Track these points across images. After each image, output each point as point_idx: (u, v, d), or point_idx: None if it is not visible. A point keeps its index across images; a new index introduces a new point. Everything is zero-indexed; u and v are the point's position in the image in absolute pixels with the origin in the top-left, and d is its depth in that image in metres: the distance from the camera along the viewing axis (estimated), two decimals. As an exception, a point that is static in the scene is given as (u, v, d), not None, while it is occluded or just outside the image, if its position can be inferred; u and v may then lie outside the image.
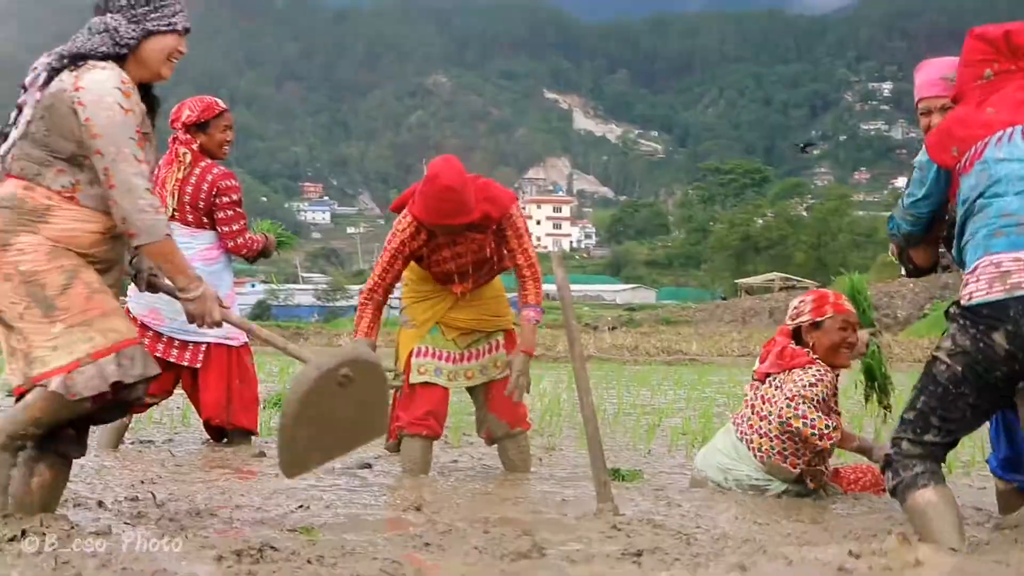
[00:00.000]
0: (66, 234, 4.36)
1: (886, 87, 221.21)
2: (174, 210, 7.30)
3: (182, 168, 7.36)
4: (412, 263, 6.68)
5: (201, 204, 7.33)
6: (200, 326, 4.63)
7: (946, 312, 4.59)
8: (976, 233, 4.46)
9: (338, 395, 4.58)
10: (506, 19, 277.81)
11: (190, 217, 7.36)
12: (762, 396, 6.11)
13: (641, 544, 4.48)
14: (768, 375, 6.15)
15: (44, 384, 4.29)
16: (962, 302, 4.43)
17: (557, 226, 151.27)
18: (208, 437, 7.83)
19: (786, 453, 5.99)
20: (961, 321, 4.43)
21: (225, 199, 7.32)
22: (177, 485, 5.91)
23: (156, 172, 7.02)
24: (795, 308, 6.24)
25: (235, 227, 7.36)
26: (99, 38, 4.41)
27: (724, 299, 68.95)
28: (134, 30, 4.42)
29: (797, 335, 6.16)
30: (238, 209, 7.39)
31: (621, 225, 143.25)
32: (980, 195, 4.48)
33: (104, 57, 4.40)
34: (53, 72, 4.42)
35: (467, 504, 5.73)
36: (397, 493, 6.02)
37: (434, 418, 6.60)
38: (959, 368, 4.42)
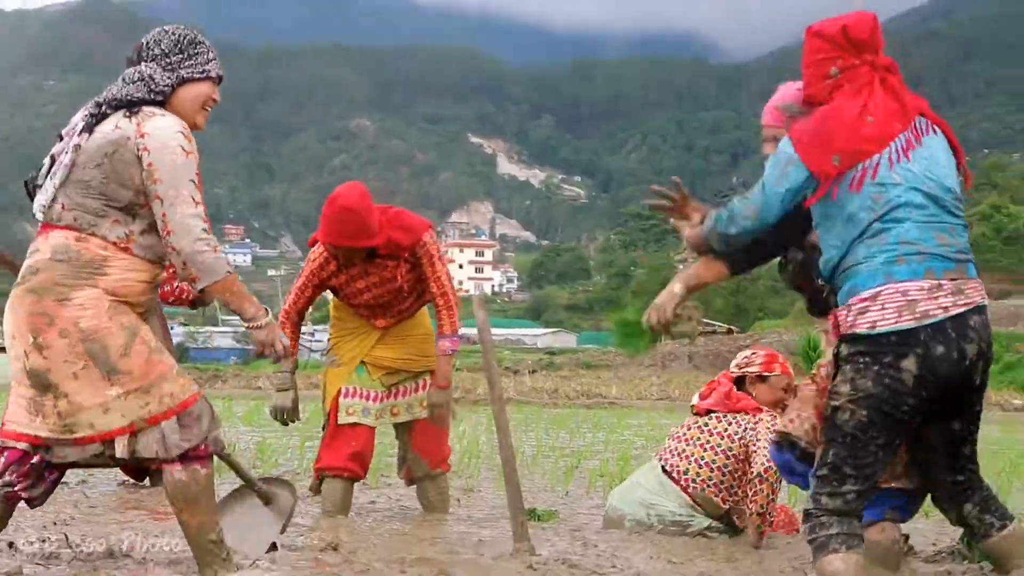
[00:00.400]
0: (122, 285, 4.28)
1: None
2: None
3: None
4: (334, 298, 6.73)
5: None
6: (266, 355, 4.58)
7: (835, 355, 4.36)
8: (872, 258, 4.30)
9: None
10: (431, 63, 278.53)
11: None
12: (709, 430, 6.27)
13: (556, 583, 4.52)
14: (710, 411, 6.32)
15: (96, 448, 4.25)
16: (859, 331, 4.24)
17: (479, 270, 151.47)
18: (125, 478, 7.74)
19: (721, 487, 6.09)
20: (860, 360, 4.24)
21: None
22: (91, 526, 5.86)
23: None
24: (745, 358, 6.45)
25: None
26: (134, 87, 4.36)
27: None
28: (169, 77, 4.39)
29: (739, 382, 6.35)
30: None
31: (543, 269, 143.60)
32: (877, 218, 4.32)
33: (138, 102, 4.35)
34: (91, 119, 4.35)
35: (384, 544, 5.74)
36: (315, 533, 6.00)
37: (358, 460, 6.61)
38: (864, 412, 4.23)
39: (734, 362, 6.55)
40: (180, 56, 4.43)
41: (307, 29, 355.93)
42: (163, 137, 4.25)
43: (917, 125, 4.45)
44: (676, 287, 4.86)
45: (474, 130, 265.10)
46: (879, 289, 4.24)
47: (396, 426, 6.82)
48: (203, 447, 4.30)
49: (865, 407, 4.23)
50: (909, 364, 4.19)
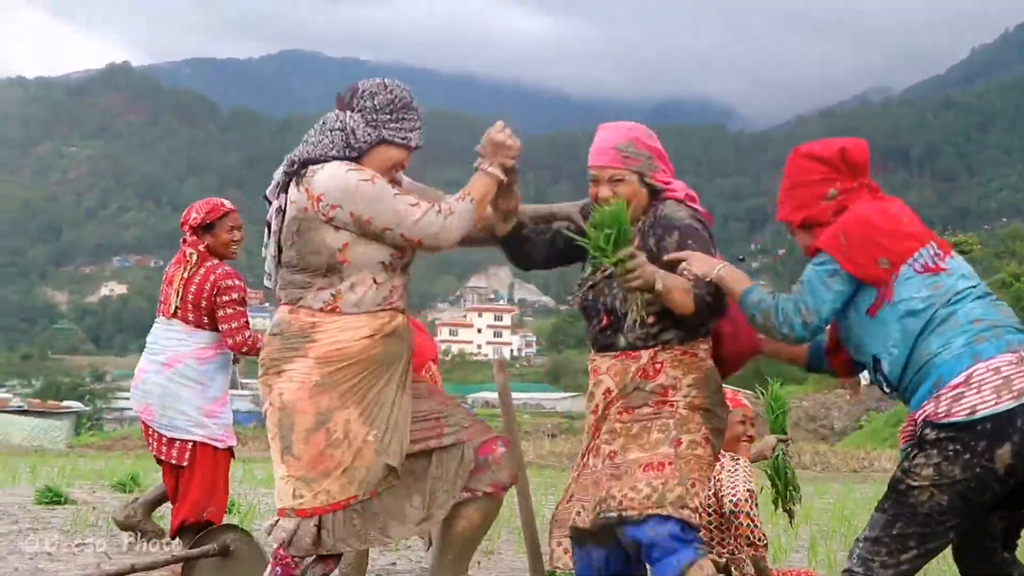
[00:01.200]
0: (335, 349, 4.26)
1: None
2: (176, 307, 7.26)
3: (188, 268, 7.30)
4: None
5: (203, 303, 7.27)
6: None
7: (920, 437, 4.14)
8: (950, 343, 4.13)
9: None
10: (449, 129, 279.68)
11: (191, 316, 7.27)
12: None
13: (577, 645, 4.51)
14: None
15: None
16: (954, 418, 4.02)
17: (498, 334, 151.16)
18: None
19: (712, 543, 6.08)
20: (950, 447, 4.03)
21: (226, 297, 7.25)
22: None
23: (166, 271, 7.27)
24: None
25: (234, 324, 7.25)
26: (332, 137, 4.34)
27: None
28: (370, 134, 4.35)
29: None
30: (238, 308, 7.28)
31: (561, 334, 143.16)
32: (942, 305, 4.20)
33: (326, 160, 4.32)
34: (286, 178, 4.35)
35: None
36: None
37: None
38: (945, 498, 4.03)
39: None
40: (388, 116, 4.39)
41: (326, 98, 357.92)
42: (337, 185, 4.22)
43: (942, 244, 4.41)
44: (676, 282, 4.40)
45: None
46: (970, 371, 4.07)
47: None
48: (294, 563, 4.29)
49: (948, 493, 4.04)
50: (1004, 453, 3.99)
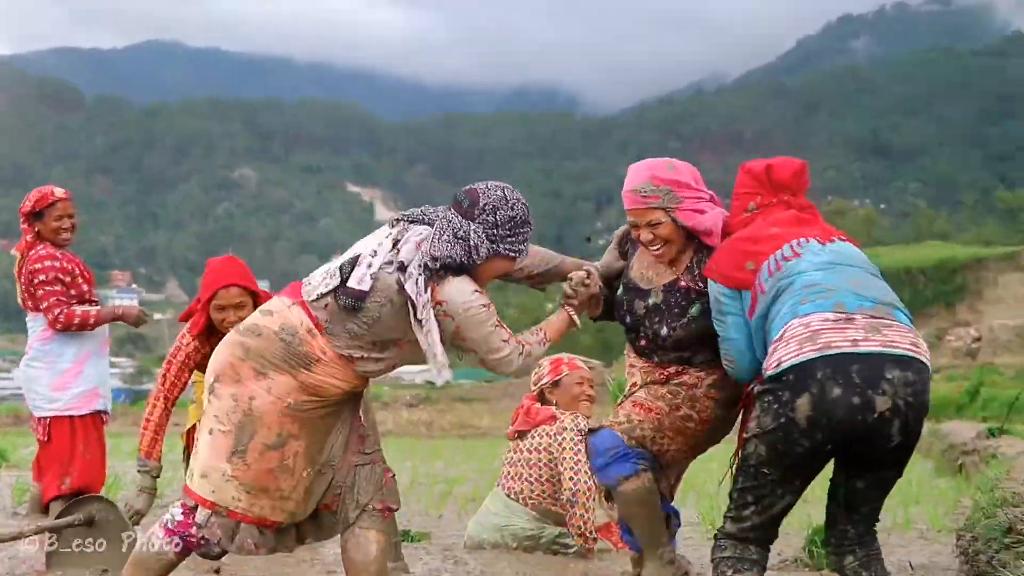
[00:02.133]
0: (320, 385, 4.18)
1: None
2: (22, 296, 7.31)
3: (22, 256, 7.31)
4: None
5: (33, 288, 7.25)
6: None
7: (749, 393, 4.40)
8: (781, 310, 4.23)
9: None
10: (309, 117, 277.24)
11: (29, 302, 7.30)
12: (525, 449, 6.35)
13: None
14: (520, 432, 6.41)
15: (188, 501, 4.27)
16: (767, 372, 4.14)
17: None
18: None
19: (557, 497, 6.16)
20: (765, 399, 4.12)
21: (38, 278, 7.21)
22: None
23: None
24: (536, 374, 6.53)
25: (45, 304, 7.20)
26: (459, 246, 4.19)
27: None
28: (489, 248, 4.24)
29: (542, 397, 6.44)
30: (48, 288, 7.21)
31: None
32: (784, 278, 4.28)
33: (459, 267, 4.20)
34: (426, 272, 4.15)
35: (264, 565, 5.73)
36: (196, 558, 5.96)
37: None
38: (764, 449, 4.10)
39: (531, 381, 6.65)
40: (507, 232, 4.28)
41: (188, 86, 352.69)
42: (461, 301, 4.16)
43: (827, 236, 4.43)
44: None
45: (351, 179, 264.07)
46: (785, 328, 4.15)
47: None
48: (206, 547, 4.31)
49: (764, 443, 4.11)
50: (803, 405, 3.98)
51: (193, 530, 4.24)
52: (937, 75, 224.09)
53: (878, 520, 4.39)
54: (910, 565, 5.58)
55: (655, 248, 4.73)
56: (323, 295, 4.19)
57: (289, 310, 4.22)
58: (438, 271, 4.15)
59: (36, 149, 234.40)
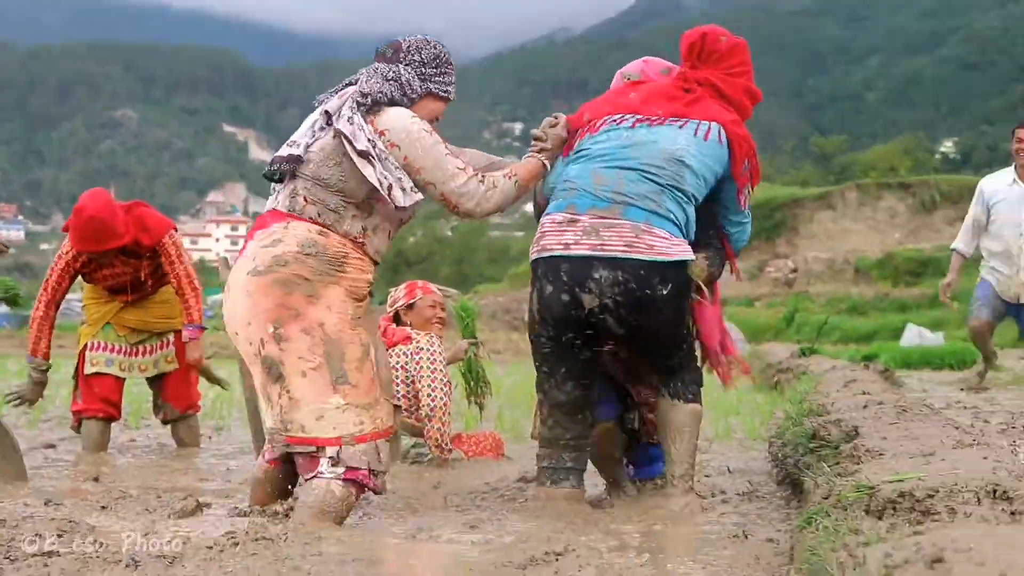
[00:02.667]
0: (355, 285, 3.95)
1: (517, 127, 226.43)
2: None
3: None
4: (86, 285, 6.63)
5: None
6: None
7: None
8: (553, 191, 4.24)
9: None
10: (188, 61, 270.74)
11: None
12: None
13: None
14: None
15: (306, 449, 3.88)
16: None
17: (234, 243, 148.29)
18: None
19: (412, 411, 6.16)
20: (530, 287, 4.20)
21: None
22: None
23: None
24: (392, 297, 6.51)
25: None
26: (389, 85, 4.02)
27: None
28: (420, 87, 4.08)
29: (397, 319, 6.42)
30: None
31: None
32: (563, 163, 4.25)
33: (392, 102, 4.04)
34: (360, 108, 3.98)
35: (142, 475, 5.66)
36: (78, 468, 5.88)
37: (109, 403, 6.52)
38: (530, 342, 4.23)
39: (387, 303, 6.61)
40: (435, 71, 4.13)
41: (72, 28, 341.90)
42: (403, 127, 3.96)
43: (666, 113, 4.20)
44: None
45: (227, 120, 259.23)
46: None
47: (148, 379, 6.76)
48: (369, 476, 3.94)
49: (530, 321, 4.20)
50: (532, 299, 4.10)
51: (362, 472, 3.91)
52: (759, 31, 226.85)
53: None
54: (728, 469, 5.71)
55: None
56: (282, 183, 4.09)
57: (288, 228, 3.97)
58: (372, 107, 4.01)
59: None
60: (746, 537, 3.73)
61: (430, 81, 4.12)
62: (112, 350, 6.59)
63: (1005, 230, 8.73)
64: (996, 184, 8.92)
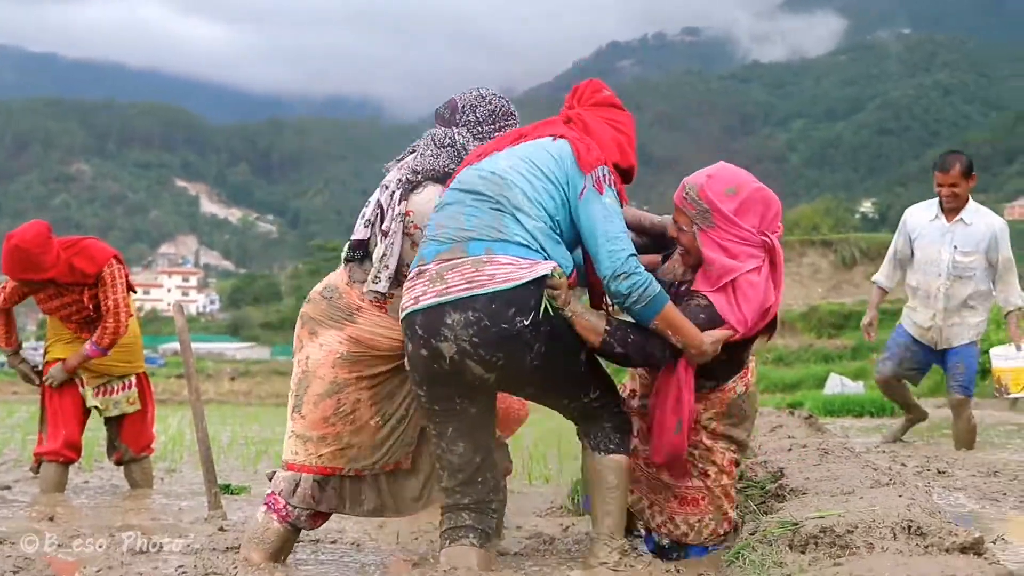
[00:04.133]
0: (368, 336, 3.88)
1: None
2: None
3: None
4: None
5: None
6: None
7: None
8: None
9: None
10: (142, 117, 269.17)
11: None
12: None
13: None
14: None
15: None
16: None
17: (185, 294, 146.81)
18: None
19: None
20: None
21: None
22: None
23: None
24: None
25: None
26: (444, 153, 3.89)
27: None
28: (476, 147, 3.89)
29: None
30: None
31: (241, 293, 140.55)
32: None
33: (446, 174, 3.86)
34: (408, 186, 3.91)
35: (96, 515, 5.61)
36: (34, 508, 5.81)
37: (71, 447, 6.46)
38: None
39: None
40: (492, 127, 3.97)
41: (28, 87, 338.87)
42: (426, 211, 3.83)
43: (512, 139, 3.79)
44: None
45: (179, 175, 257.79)
46: None
47: (106, 419, 6.70)
48: (283, 505, 4.00)
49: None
50: (405, 359, 3.72)
51: (277, 497, 4.02)
52: (690, 95, 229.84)
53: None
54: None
55: (679, 248, 3.99)
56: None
57: (336, 272, 4.07)
58: (416, 184, 3.93)
59: None
60: (678, 572, 3.76)
61: (488, 139, 3.94)
62: (83, 385, 6.54)
63: (925, 267, 7.83)
64: (919, 217, 7.97)
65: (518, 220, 3.55)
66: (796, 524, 2.93)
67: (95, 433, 7.62)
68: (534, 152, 3.68)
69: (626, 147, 3.81)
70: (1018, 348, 7.87)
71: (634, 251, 3.57)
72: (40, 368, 6.62)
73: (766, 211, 3.81)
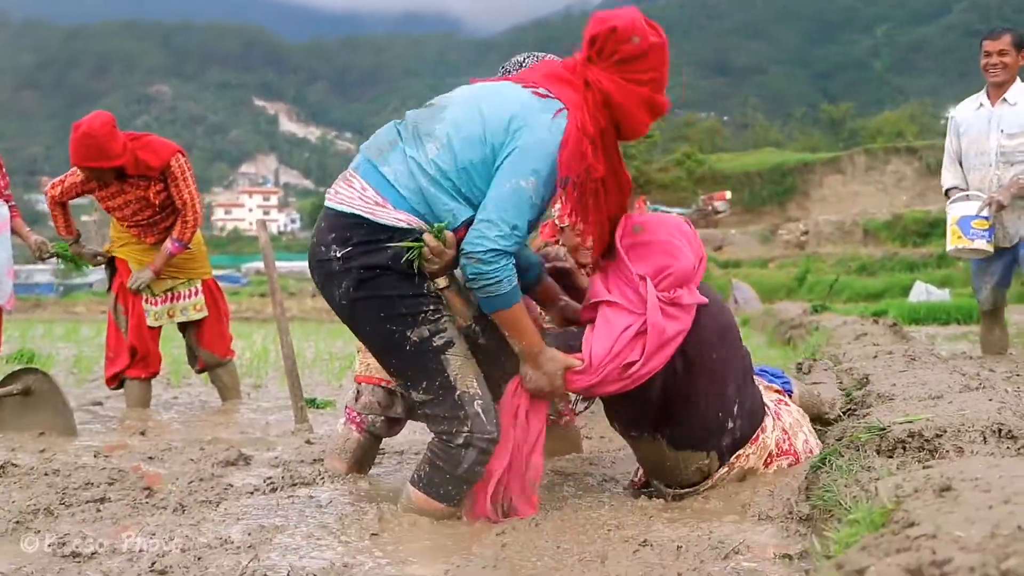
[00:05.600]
0: None
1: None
2: None
3: None
4: (113, 218, 6.56)
5: None
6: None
7: None
8: None
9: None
10: (219, 37, 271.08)
11: None
12: None
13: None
14: None
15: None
16: None
17: (266, 213, 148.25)
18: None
19: None
20: None
21: None
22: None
23: None
24: None
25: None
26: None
27: None
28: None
29: None
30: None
31: (321, 211, 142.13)
32: None
33: None
34: None
35: (185, 429, 5.71)
36: (124, 423, 5.94)
37: (148, 360, 6.52)
38: None
39: None
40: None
41: (108, 7, 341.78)
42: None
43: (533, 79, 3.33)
44: None
45: (258, 94, 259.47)
46: None
47: (181, 327, 6.76)
48: (360, 418, 4.05)
49: None
50: None
51: (350, 407, 4.10)
52: (771, 2, 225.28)
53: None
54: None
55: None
56: None
57: None
58: None
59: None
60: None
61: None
62: (147, 301, 6.56)
63: (975, 161, 7.33)
64: (965, 110, 7.52)
65: (407, 154, 3.21)
66: (883, 429, 2.89)
67: (181, 350, 7.74)
68: (521, 110, 3.18)
69: (654, 98, 3.30)
70: (987, 207, 7.01)
71: (508, 250, 3.08)
72: (92, 288, 6.70)
73: (664, 267, 3.35)
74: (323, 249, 3.20)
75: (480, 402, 3.21)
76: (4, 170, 6.89)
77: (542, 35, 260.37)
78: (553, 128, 3.13)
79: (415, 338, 3.19)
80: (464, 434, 3.19)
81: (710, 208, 47.28)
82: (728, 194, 49.65)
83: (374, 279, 3.16)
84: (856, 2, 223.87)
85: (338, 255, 3.16)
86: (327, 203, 3.24)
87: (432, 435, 3.29)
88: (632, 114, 3.26)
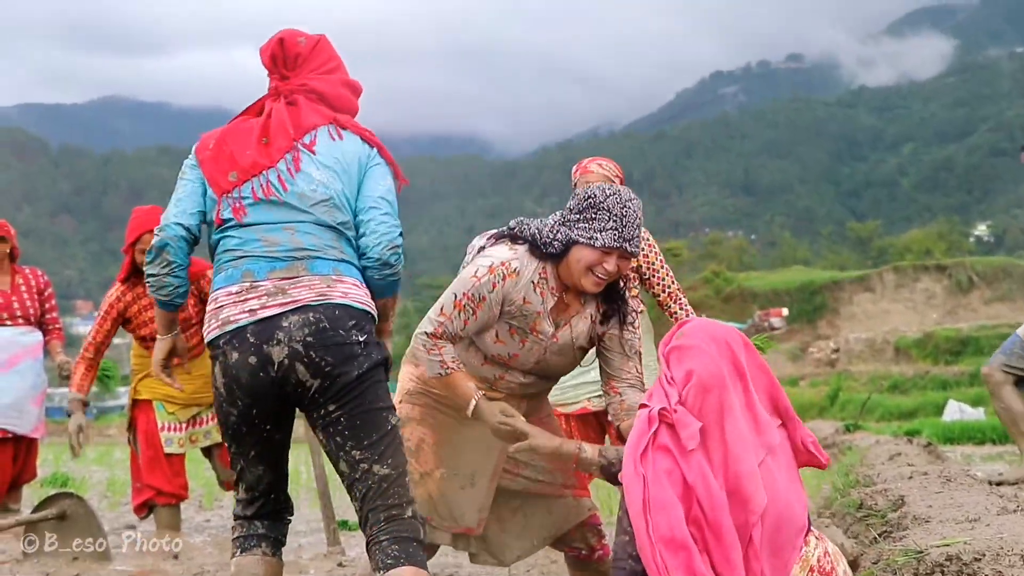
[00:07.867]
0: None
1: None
2: None
3: None
4: (134, 343, 6.65)
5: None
6: None
7: None
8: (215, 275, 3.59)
9: None
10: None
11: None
12: None
13: None
14: None
15: None
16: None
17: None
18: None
19: None
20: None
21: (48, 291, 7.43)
22: None
23: None
24: None
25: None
26: (535, 223, 3.89)
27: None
28: (561, 232, 3.79)
29: None
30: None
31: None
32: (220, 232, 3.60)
33: (529, 241, 3.85)
34: (493, 239, 4.05)
35: (216, 553, 5.71)
36: (157, 548, 5.94)
37: (175, 486, 6.56)
38: (220, 422, 3.61)
39: None
40: (578, 216, 3.78)
41: (142, 135, 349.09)
42: (471, 259, 3.96)
43: (306, 140, 3.64)
44: None
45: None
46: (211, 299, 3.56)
47: (205, 451, 6.82)
48: None
49: (216, 414, 3.62)
50: (218, 373, 3.46)
51: None
52: (796, 122, 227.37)
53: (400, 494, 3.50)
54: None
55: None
56: None
57: None
58: (507, 237, 3.91)
59: (5, 193, 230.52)
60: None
61: (572, 227, 3.79)
62: (171, 429, 6.63)
63: None
64: None
65: (350, 240, 3.62)
66: (920, 552, 2.88)
67: (212, 473, 7.76)
68: (334, 155, 3.67)
69: (349, 79, 3.88)
70: None
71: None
72: (124, 411, 6.81)
73: (702, 396, 3.23)
74: (344, 333, 3.43)
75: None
76: (54, 299, 7.20)
77: (567, 156, 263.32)
78: None
79: (393, 422, 3.53)
80: (414, 506, 3.50)
81: (766, 324, 47.00)
82: (785, 311, 49.49)
83: (376, 363, 3.51)
84: (880, 122, 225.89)
85: (360, 339, 3.46)
86: (326, 301, 3.44)
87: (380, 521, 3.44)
88: (341, 98, 3.83)
